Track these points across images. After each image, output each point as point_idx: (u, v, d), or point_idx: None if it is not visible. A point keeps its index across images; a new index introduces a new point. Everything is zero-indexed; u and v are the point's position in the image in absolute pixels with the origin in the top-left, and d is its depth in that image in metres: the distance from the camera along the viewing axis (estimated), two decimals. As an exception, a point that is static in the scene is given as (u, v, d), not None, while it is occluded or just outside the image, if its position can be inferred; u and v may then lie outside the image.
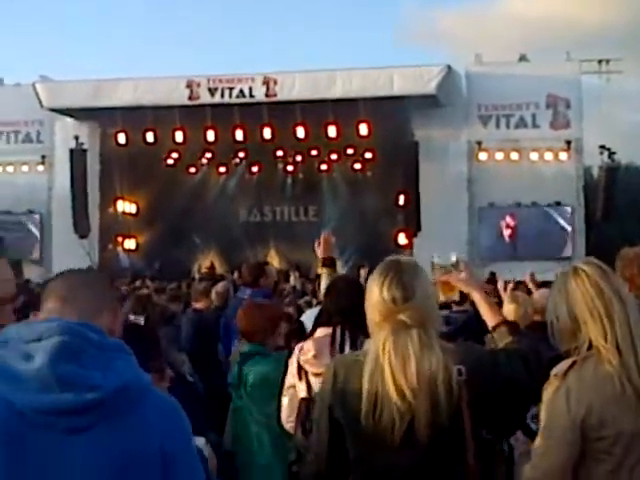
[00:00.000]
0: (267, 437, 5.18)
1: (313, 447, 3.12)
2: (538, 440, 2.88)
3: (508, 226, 21.56)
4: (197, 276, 22.10)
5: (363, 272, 17.56)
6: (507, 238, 21.62)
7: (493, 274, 13.00)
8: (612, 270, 3.03)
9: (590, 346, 2.82)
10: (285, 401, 4.45)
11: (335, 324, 4.29)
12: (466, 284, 3.31)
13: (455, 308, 7.56)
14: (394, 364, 2.81)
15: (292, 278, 14.97)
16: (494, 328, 3.14)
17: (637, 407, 2.72)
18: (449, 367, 2.79)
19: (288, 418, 4.39)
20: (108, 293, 2.35)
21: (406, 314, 2.86)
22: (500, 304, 8.79)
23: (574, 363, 2.81)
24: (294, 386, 4.34)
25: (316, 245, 5.38)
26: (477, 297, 3.27)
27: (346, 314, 4.22)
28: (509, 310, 6.72)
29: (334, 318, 4.33)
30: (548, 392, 2.85)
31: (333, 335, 4.26)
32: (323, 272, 5.47)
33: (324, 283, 5.61)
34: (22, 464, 1.91)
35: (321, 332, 4.38)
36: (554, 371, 2.85)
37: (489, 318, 3.18)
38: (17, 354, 1.96)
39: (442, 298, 4.57)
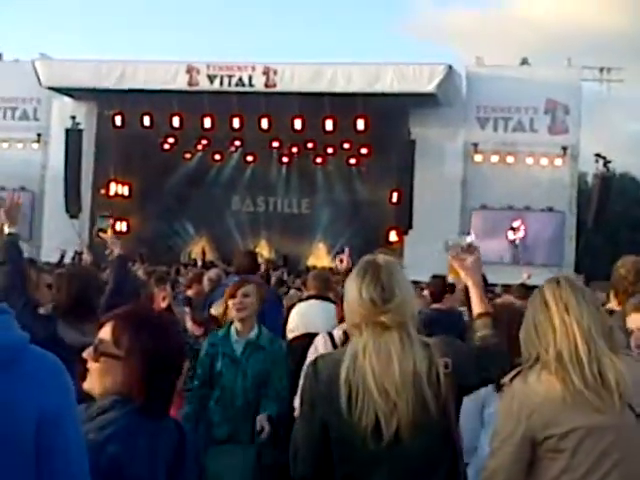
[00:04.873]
0: None
1: (300, 445, 3.05)
2: (491, 442, 2.97)
3: (513, 229, 21.53)
4: (200, 263, 21.99)
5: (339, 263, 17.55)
6: (516, 241, 21.54)
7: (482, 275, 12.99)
8: (589, 289, 3.08)
9: (538, 358, 2.91)
10: None
11: None
12: (467, 271, 3.24)
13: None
14: (375, 366, 2.80)
15: (279, 270, 14.98)
16: (478, 316, 3.13)
17: (582, 405, 2.77)
18: (434, 361, 2.82)
19: None
20: None
21: (386, 316, 2.85)
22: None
23: (520, 371, 2.92)
24: None
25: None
26: (471, 284, 3.21)
27: None
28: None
29: None
30: (501, 399, 3.00)
31: None
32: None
33: None
34: None
35: None
36: (503, 380, 2.96)
37: (476, 305, 3.16)
38: None
39: (450, 279, 4.57)
